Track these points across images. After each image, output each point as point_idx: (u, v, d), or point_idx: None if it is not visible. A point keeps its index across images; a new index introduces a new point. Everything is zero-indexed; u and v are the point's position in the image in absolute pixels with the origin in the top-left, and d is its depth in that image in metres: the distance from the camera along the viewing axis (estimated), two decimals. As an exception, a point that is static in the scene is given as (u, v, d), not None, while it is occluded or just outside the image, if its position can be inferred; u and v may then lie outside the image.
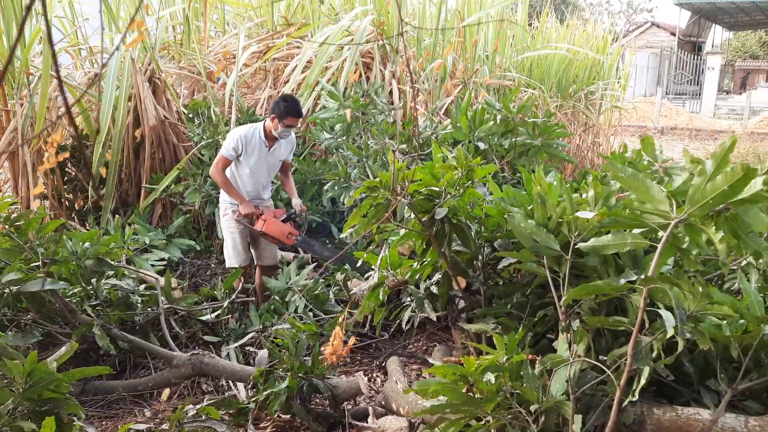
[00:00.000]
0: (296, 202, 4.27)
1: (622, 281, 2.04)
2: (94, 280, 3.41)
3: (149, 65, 5.22)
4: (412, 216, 2.71)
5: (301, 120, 4.14)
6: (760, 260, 2.55)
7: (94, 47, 5.80)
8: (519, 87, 6.81)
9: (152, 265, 4.49)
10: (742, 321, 2.16)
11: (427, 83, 5.77)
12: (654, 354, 2.11)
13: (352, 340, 1.95)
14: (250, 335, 3.62)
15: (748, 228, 1.77)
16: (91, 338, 3.16)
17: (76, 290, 3.42)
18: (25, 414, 2.29)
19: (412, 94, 4.44)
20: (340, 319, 2.09)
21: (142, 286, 3.77)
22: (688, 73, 24.99)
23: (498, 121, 4.36)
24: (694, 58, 25.20)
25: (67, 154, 4.98)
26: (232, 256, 4.26)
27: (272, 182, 4.71)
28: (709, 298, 2.07)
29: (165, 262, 4.65)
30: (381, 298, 2.97)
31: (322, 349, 2.24)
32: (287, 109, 3.91)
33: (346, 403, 2.93)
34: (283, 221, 4.09)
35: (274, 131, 4.00)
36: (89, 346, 3.32)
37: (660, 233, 1.79)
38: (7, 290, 2.95)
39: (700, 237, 1.74)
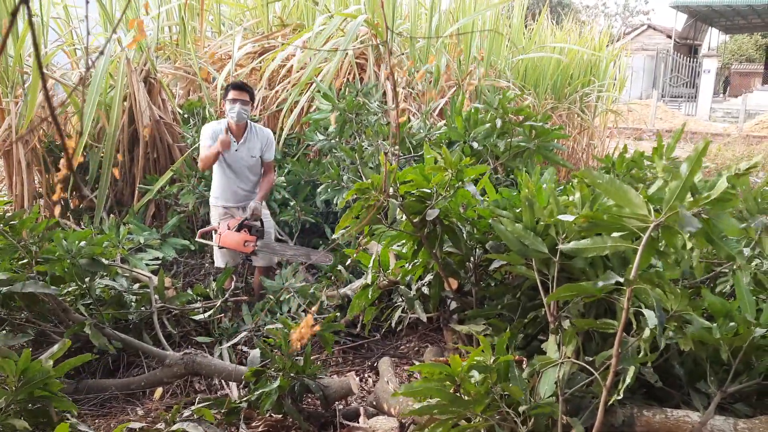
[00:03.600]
0: (251, 205, 4.11)
1: (601, 283, 2.05)
2: (87, 279, 3.42)
3: (145, 65, 5.23)
4: (404, 217, 2.72)
5: (246, 94, 4.06)
6: (740, 264, 2.58)
7: (90, 47, 5.80)
8: (522, 94, 6.83)
9: (147, 265, 4.49)
10: (732, 323, 2.18)
11: (420, 85, 5.78)
12: (641, 354, 2.13)
13: (317, 327, 1.95)
14: (242, 334, 3.63)
15: (720, 232, 1.81)
16: (85, 337, 3.16)
17: (69, 289, 3.43)
18: (18, 412, 2.30)
19: (396, 101, 4.46)
20: (313, 309, 2.11)
21: (135, 285, 3.78)
22: (684, 75, 25.07)
23: (495, 122, 4.36)
24: (690, 61, 25.28)
25: (81, 159, 4.99)
26: (219, 256, 4.33)
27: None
28: (690, 299, 2.09)
29: (159, 262, 4.65)
30: (370, 297, 2.97)
31: (292, 334, 2.25)
32: (227, 87, 4.07)
33: (337, 403, 2.94)
34: (237, 230, 4.02)
35: (228, 116, 4.03)
36: (83, 344, 3.33)
37: (639, 236, 1.82)
38: (-1, 290, 2.96)
39: (676, 239, 1.78)
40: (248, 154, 4.14)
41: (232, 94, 3.98)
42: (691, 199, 1.71)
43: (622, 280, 1.92)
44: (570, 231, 2.22)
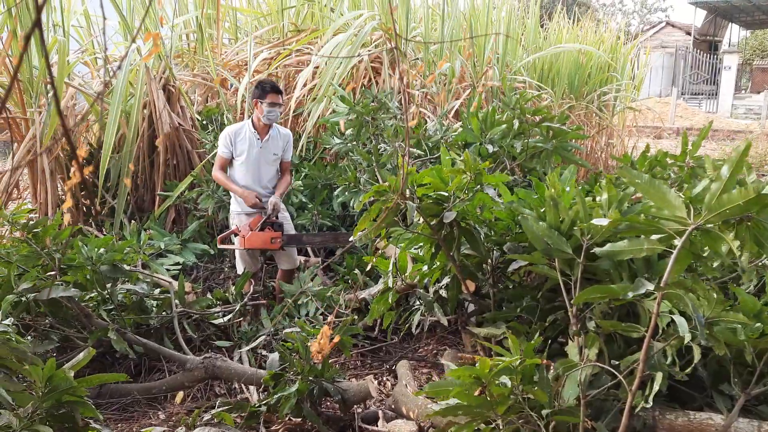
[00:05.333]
0: (271, 200, 4.11)
1: (631, 293, 2.02)
2: (109, 285, 3.47)
3: (164, 73, 5.30)
4: (421, 220, 2.72)
5: (282, 97, 4.16)
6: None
7: (110, 56, 5.90)
8: (540, 95, 6.78)
9: (167, 270, 4.55)
10: (758, 324, 2.13)
11: (435, 87, 5.77)
12: (669, 360, 2.10)
13: (336, 338, 1.94)
14: (261, 338, 3.66)
15: (769, 233, 1.74)
16: (107, 342, 3.21)
17: (92, 295, 3.48)
18: (43, 418, 2.34)
19: (406, 104, 4.47)
20: (329, 319, 2.11)
21: (156, 290, 3.83)
22: (704, 72, 24.70)
23: (511, 122, 4.33)
24: (710, 58, 24.89)
25: (91, 168, 5.07)
26: (240, 262, 4.36)
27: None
28: (724, 304, 2.04)
29: (180, 267, 4.71)
30: (390, 301, 2.97)
31: (309, 344, 2.26)
32: (265, 88, 4.04)
33: (356, 406, 2.95)
34: (261, 230, 4.03)
35: (261, 117, 4.05)
36: (105, 349, 3.37)
37: (676, 240, 1.77)
38: (24, 297, 3.01)
39: (719, 244, 1.72)
40: (271, 152, 4.19)
41: (271, 98, 4.02)
42: (734, 207, 1.62)
43: (652, 286, 1.88)
44: (596, 232, 2.19)
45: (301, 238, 4.24)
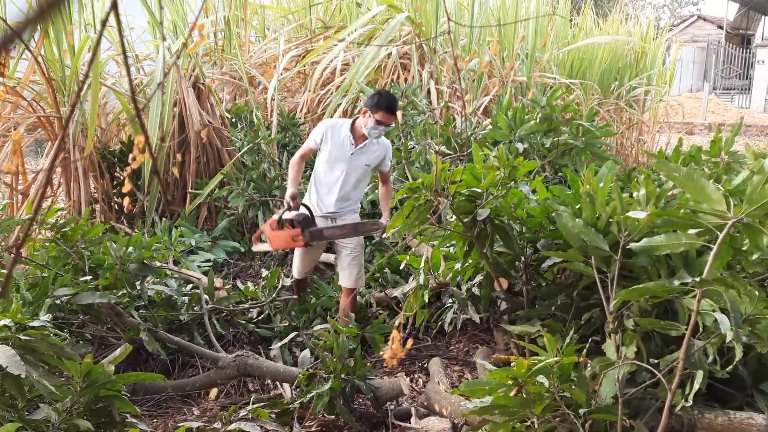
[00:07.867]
0: (383, 223, 3.73)
1: (676, 283, 1.98)
2: (138, 283, 3.49)
3: (193, 71, 5.35)
4: (453, 218, 2.70)
5: (393, 120, 3.67)
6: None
7: (141, 55, 5.98)
8: (562, 86, 6.70)
9: (198, 266, 4.60)
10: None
11: (464, 83, 5.74)
12: (710, 359, 2.05)
13: (410, 342, 1.90)
14: (292, 335, 3.68)
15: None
16: (140, 339, 3.24)
17: (122, 293, 3.49)
18: (81, 412, 2.38)
19: (457, 92, 4.41)
20: (396, 323, 2.08)
21: (188, 287, 3.86)
22: (737, 67, 24.12)
23: (540, 119, 4.28)
24: (742, 52, 24.30)
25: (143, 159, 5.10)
26: (295, 267, 4.05)
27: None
28: (767, 302, 1.99)
29: (210, 263, 4.75)
30: (423, 299, 2.96)
31: (381, 354, 2.23)
32: (380, 102, 3.54)
33: (388, 403, 2.94)
34: (280, 228, 3.61)
35: (364, 128, 3.62)
36: (138, 345, 3.41)
37: (716, 234, 1.73)
38: (59, 300, 3.06)
39: (761, 238, 1.67)
40: (362, 161, 3.72)
41: (380, 115, 3.54)
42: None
43: (695, 280, 1.83)
44: (634, 228, 2.15)
45: (321, 232, 3.73)
